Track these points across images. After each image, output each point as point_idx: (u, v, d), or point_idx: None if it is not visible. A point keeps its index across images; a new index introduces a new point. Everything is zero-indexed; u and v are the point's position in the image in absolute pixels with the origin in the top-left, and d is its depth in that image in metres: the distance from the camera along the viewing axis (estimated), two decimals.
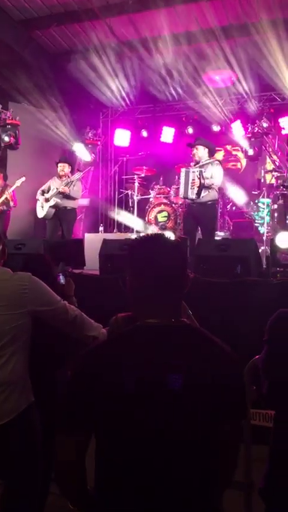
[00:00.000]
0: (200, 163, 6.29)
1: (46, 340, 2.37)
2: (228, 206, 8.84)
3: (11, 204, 7.86)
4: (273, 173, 8.27)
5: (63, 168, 7.55)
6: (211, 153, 6.43)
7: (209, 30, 8.13)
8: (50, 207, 7.28)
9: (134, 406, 1.24)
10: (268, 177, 8.62)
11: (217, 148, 8.15)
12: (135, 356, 1.29)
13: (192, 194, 6.11)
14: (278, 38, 7.87)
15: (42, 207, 7.37)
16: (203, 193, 6.07)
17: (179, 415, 1.24)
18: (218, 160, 6.43)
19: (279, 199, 7.29)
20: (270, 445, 1.72)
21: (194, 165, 6.37)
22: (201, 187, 6.04)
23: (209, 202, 6.22)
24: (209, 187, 6.11)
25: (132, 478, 1.26)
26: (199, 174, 6.02)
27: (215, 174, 6.20)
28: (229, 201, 8.84)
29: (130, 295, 1.39)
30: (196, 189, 6.04)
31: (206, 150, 6.36)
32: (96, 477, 1.33)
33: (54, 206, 7.27)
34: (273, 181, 8.16)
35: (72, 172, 7.83)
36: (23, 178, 7.83)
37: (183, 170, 6.38)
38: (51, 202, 7.26)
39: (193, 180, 6.08)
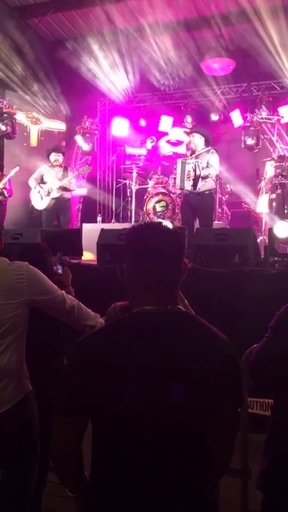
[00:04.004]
0: (196, 153, 6.24)
1: (44, 329, 2.37)
2: (227, 196, 8.81)
3: (6, 194, 7.83)
4: (272, 163, 8.23)
5: (58, 157, 7.48)
6: (207, 142, 6.37)
7: (207, 17, 8.05)
8: (52, 198, 7.26)
9: (130, 391, 1.24)
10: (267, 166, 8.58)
11: None
12: (132, 342, 1.29)
13: (188, 186, 6.07)
14: (277, 26, 7.79)
15: (42, 198, 7.32)
16: (199, 184, 6.03)
17: (177, 404, 1.24)
18: (215, 149, 6.37)
19: (277, 188, 7.26)
20: (268, 434, 1.72)
21: (190, 155, 6.31)
22: (197, 178, 5.99)
23: (206, 192, 6.18)
24: (205, 178, 6.07)
25: (128, 466, 1.26)
26: (194, 166, 5.97)
27: (211, 163, 6.15)
28: (227, 191, 8.82)
29: (127, 283, 1.39)
30: (192, 181, 6.00)
31: (203, 138, 6.30)
32: (93, 464, 1.34)
33: (55, 198, 7.26)
34: (272, 171, 8.12)
35: (67, 162, 7.80)
36: (17, 168, 7.78)
37: (178, 161, 6.33)
38: (55, 194, 7.23)
39: (188, 171, 6.03)
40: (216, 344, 1.32)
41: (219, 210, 8.45)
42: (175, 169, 6.91)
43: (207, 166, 6.09)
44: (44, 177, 7.34)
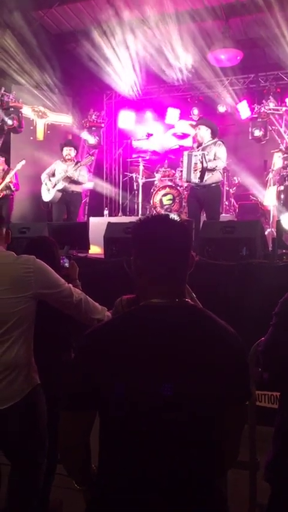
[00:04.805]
0: (203, 145, 6.19)
1: (51, 323, 2.38)
2: (234, 188, 8.76)
3: (13, 188, 7.85)
4: (280, 154, 8.16)
5: (70, 152, 7.49)
6: (214, 134, 6.32)
7: (214, 7, 7.96)
8: (58, 190, 7.26)
9: (137, 383, 1.24)
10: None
11: None
12: (139, 335, 1.29)
13: (195, 178, 6.03)
14: (284, 16, 7.70)
15: (49, 190, 7.34)
16: (206, 176, 6.00)
17: (183, 398, 1.24)
18: (221, 141, 6.31)
19: (285, 180, 7.21)
20: (275, 427, 1.72)
21: (197, 147, 6.27)
22: (204, 171, 5.96)
23: (213, 185, 6.14)
24: (212, 170, 6.03)
25: (132, 455, 1.26)
26: (201, 158, 5.93)
27: (218, 155, 6.10)
28: (235, 184, 8.77)
29: (134, 276, 1.38)
30: (199, 173, 5.96)
31: (209, 130, 6.25)
32: (100, 454, 1.34)
33: (62, 190, 7.25)
34: (280, 162, 8.05)
35: (77, 156, 7.80)
36: (23, 162, 7.79)
37: (185, 153, 6.30)
38: (59, 186, 7.22)
39: (195, 164, 5.99)
40: (223, 337, 1.31)
41: (227, 203, 8.40)
42: (182, 161, 6.87)
43: (214, 159, 6.04)
44: (55, 171, 7.36)
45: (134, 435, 1.26)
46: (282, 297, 1.75)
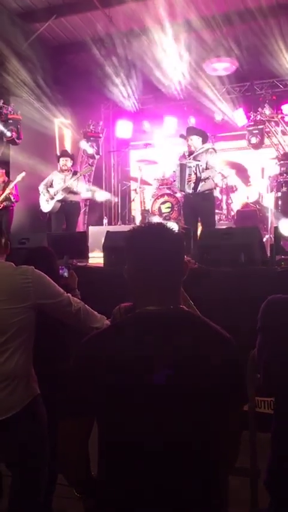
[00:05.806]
0: (195, 153, 6.25)
1: (49, 333, 2.39)
2: (232, 195, 8.79)
3: (13, 199, 7.90)
4: (276, 161, 8.21)
5: (66, 162, 7.55)
6: (204, 141, 6.40)
7: (208, 17, 8.05)
8: (57, 201, 7.30)
9: (133, 391, 1.25)
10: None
11: None
12: (135, 342, 1.30)
13: (189, 189, 6.07)
14: (278, 24, 7.79)
15: (48, 201, 7.38)
16: (199, 187, 6.04)
17: (178, 403, 1.25)
18: (213, 148, 6.38)
19: (282, 187, 7.25)
20: (272, 433, 1.72)
21: (189, 155, 6.32)
22: (198, 181, 6.00)
23: (206, 192, 6.18)
24: (205, 179, 6.07)
25: (133, 465, 1.27)
26: (195, 169, 5.97)
27: (210, 163, 6.15)
28: (232, 191, 8.80)
29: (129, 283, 1.40)
30: (193, 184, 6.01)
31: (200, 139, 6.34)
32: (99, 464, 1.35)
33: (61, 200, 7.30)
34: (277, 169, 8.10)
35: (73, 166, 7.85)
36: (23, 174, 7.84)
37: (178, 163, 6.35)
38: (59, 197, 7.27)
39: (189, 175, 6.03)
40: (218, 343, 1.33)
41: (225, 210, 8.43)
42: (175, 171, 6.91)
43: (206, 168, 6.10)
44: (53, 182, 7.42)
45: (130, 442, 1.27)
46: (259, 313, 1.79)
